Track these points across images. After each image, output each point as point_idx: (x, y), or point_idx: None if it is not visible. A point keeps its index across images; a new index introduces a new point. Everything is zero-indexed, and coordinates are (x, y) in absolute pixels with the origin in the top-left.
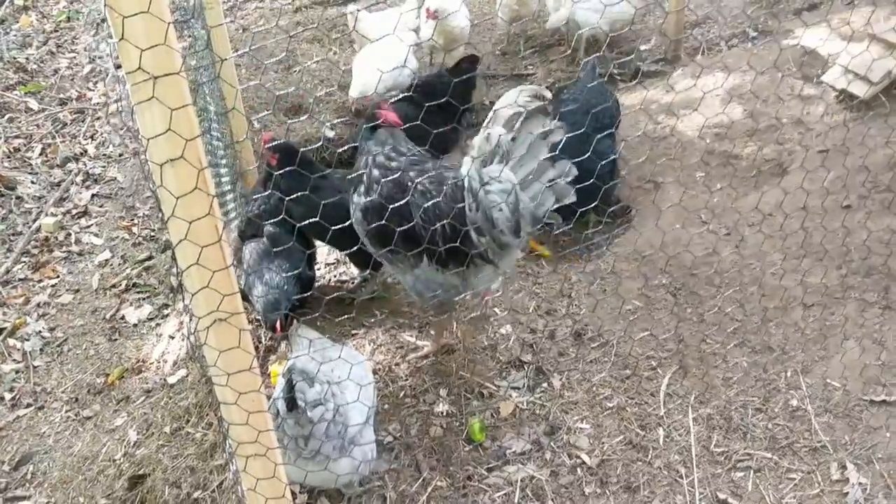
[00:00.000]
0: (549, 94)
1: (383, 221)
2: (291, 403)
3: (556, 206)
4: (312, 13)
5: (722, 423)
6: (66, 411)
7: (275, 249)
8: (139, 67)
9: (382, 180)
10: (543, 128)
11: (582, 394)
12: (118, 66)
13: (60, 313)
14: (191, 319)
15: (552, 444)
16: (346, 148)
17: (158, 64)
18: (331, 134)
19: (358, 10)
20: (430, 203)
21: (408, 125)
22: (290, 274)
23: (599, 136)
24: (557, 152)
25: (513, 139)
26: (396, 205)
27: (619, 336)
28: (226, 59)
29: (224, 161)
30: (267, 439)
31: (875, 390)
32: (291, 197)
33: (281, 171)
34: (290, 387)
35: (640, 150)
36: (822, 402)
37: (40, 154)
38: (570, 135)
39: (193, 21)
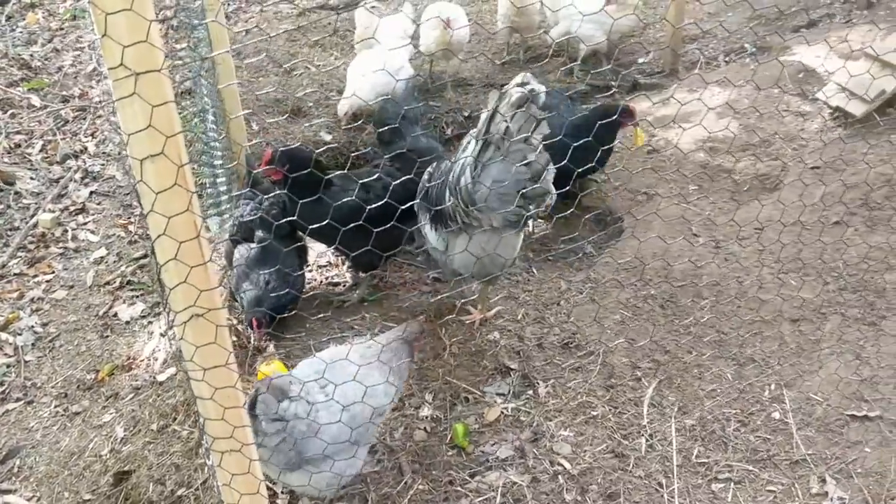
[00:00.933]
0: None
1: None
2: (251, 410)
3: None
4: (315, 17)
5: (704, 434)
6: (55, 406)
7: (265, 252)
8: (121, 64)
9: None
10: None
11: (567, 402)
12: None
13: (54, 309)
14: (169, 314)
15: (535, 450)
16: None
17: (140, 61)
18: (328, 137)
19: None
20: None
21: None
22: (276, 276)
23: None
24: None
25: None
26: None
27: (606, 345)
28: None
29: (221, 162)
30: (242, 435)
31: (857, 405)
32: (304, 200)
33: (292, 175)
34: (253, 398)
35: (635, 161)
36: (804, 415)
37: (40, 150)
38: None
39: (198, 23)
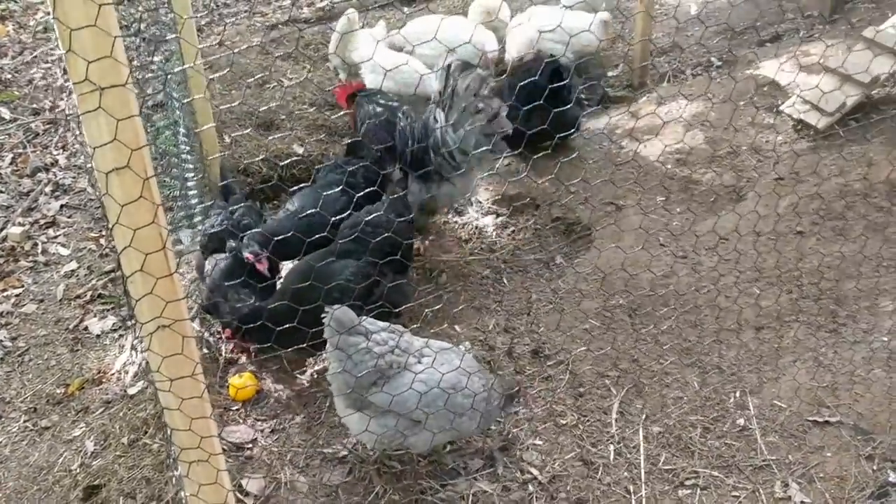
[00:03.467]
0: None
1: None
2: None
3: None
4: (288, 31)
5: (671, 441)
6: (25, 421)
7: (236, 262)
8: (86, 79)
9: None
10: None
11: (537, 410)
12: None
13: (24, 323)
14: (136, 326)
15: (505, 459)
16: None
17: (105, 75)
18: (300, 150)
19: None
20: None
21: None
22: (247, 287)
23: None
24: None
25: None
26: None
27: (576, 354)
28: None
29: (192, 175)
30: (210, 445)
31: (819, 411)
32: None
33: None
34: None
35: (602, 172)
36: (768, 422)
37: (10, 163)
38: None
39: (170, 37)
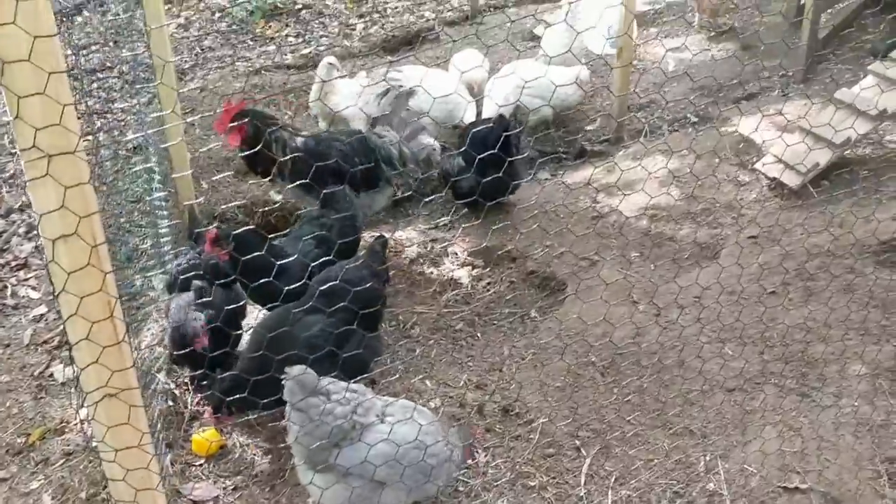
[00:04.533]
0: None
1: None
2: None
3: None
4: (271, 76)
5: None
6: None
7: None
8: (33, 146)
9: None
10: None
11: (505, 471)
12: None
13: None
14: (80, 393)
15: None
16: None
17: (54, 143)
18: (278, 197)
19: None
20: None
21: None
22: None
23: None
24: None
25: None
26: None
27: (546, 413)
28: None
29: (166, 222)
30: None
31: (788, 477)
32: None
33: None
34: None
35: (579, 227)
36: (738, 487)
37: None
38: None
39: (151, 84)
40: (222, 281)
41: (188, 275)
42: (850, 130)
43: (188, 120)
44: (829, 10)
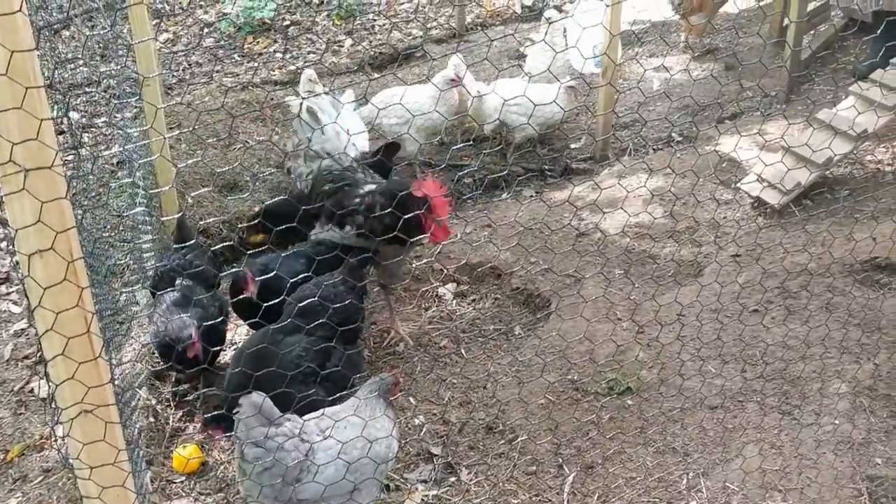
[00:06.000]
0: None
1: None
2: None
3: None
4: (259, 93)
5: None
6: None
7: (186, 298)
8: (10, 160)
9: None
10: None
11: (488, 489)
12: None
13: None
14: (55, 409)
15: None
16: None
17: (31, 157)
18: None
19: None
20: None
21: None
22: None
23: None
24: None
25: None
26: None
27: (529, 431)
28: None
29: (150, 236)
30: None
31: (770, 495)
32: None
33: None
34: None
35: (563, 244)
36: None
37: None
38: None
39: (135, 100)
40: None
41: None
42: (831, 150)
43: (173, 135)
44: (810, 32)
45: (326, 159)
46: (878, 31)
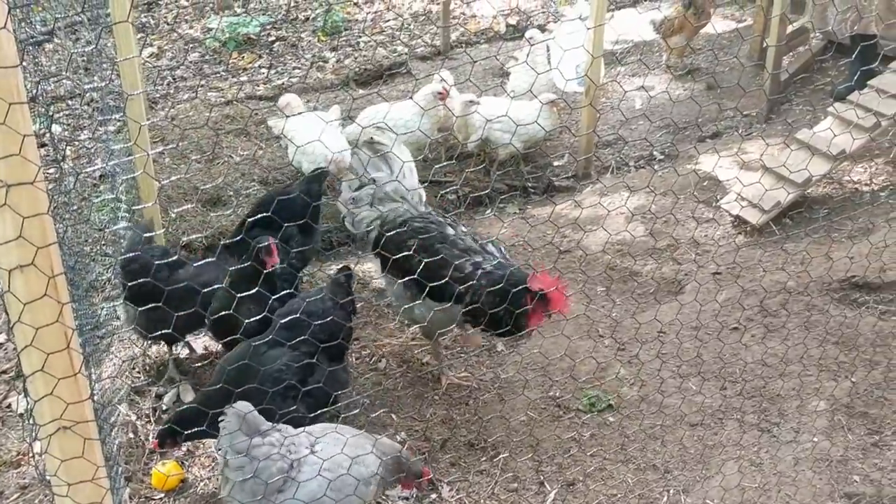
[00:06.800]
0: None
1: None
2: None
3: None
4: (243, 107)
5: None
6: None
7: None
8: None
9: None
10: None
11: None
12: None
13: None
14: (33, 425)
15: None
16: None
17: (13, 173)
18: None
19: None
20: None
21: None
22: None
23: None
24: None
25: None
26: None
27: (510, 448)
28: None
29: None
30: None
31: None
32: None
33: None
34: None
35: (546, 261)
36: None
37: None
38: None
39: (119, 116)
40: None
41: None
42: (810, 170)
43: (156, 151)
44: (790, 54)
45: (400, 203)
46: (854, 55)
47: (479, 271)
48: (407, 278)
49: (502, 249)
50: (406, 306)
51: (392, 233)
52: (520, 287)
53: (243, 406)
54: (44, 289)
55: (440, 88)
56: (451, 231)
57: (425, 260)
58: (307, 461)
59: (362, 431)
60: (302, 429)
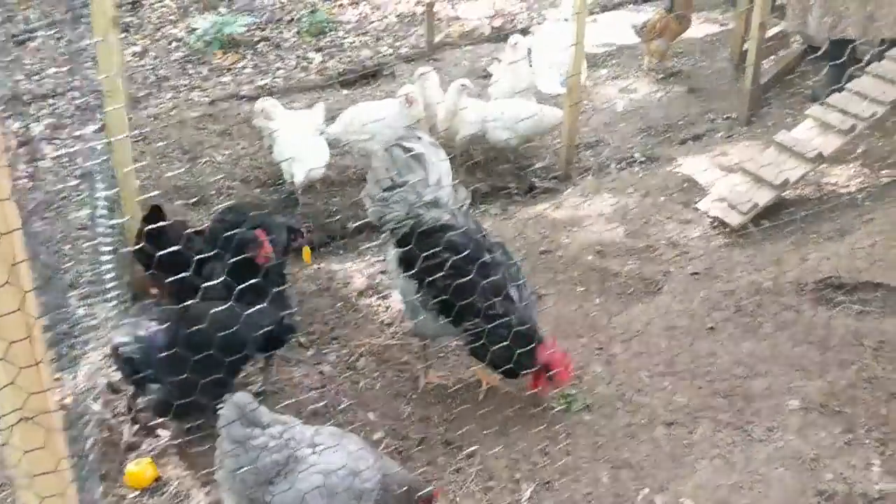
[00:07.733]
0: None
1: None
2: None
3: None
4: (225, 106)
5: None
6: None
7: None
8: None
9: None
10: None
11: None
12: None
13: None
14: None
15: None
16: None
17: None
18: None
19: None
20: None
21: None
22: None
23: None
24: None
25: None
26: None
27: (487, 446)
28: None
29: (108, 249)
30: None
31: None
32: None
33: None
34: None
35: (526, 262)
36: None
37: None
38: None
39: (100, 115)
40: None
41: None
42: (788, 172)
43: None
44: (771, 57)
45: (443, 212)
46: (831, 58)
47: (496, 322)
48: (426, 290)
49: (524, 291)
50: (413, 308)
51: (426, 238)
52: (529, 348)
53: (242, 397)
54: (6, 276)
55: (408, 92)
56: (487, 257)
57: (455, 283)
58: (304, 459)
59: (371, 448)
60: (308, 426)
